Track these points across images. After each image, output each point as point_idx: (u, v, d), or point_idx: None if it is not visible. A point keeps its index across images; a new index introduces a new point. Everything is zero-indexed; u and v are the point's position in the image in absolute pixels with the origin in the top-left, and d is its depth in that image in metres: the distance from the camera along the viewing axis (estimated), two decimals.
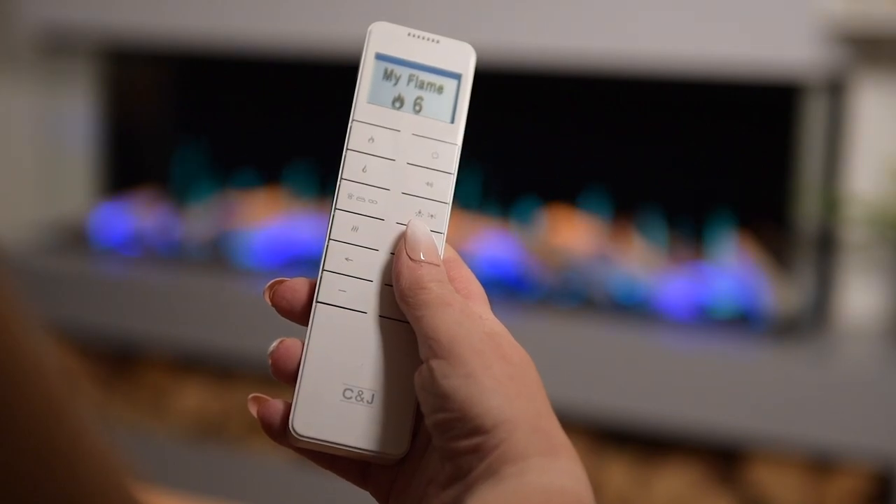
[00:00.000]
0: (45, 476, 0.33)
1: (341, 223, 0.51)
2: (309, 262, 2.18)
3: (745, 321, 1.95)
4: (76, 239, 2.40)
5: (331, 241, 0.51)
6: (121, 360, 2.25)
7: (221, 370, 2.15)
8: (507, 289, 2.08)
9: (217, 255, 2.29)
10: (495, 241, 2.16)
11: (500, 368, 0.46)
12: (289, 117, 2.48)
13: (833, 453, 1.77)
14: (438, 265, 0.50)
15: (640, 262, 2.10)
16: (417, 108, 0.53)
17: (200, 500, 1.20)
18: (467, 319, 0.48)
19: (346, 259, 0.51)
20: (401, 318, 0.50)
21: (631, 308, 2.01)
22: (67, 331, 2.22)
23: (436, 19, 2.06)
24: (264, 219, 2.33)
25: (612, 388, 1.89)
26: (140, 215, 2.39)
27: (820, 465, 1.80)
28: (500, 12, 2.03)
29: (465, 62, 0.54)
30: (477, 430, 0.45)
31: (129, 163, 2.62)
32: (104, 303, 2.22)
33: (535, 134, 2.33)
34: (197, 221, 2.36)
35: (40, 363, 0.33)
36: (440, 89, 0.53)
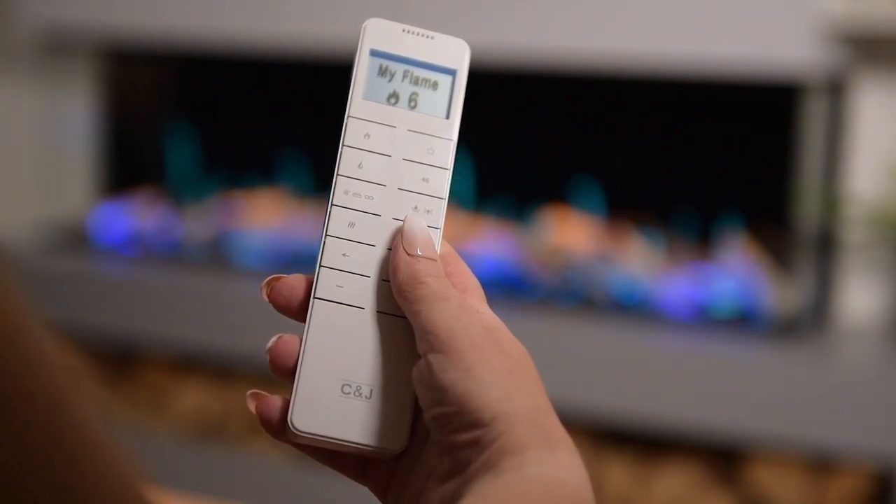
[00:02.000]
0: (49, 470, 0.33)
1: (338, 219, 0.51)
2: (308, 262, 2.18)
3: (745, 321, 1.95)
4: (76, 239, 2.40)
5: (327, 237, 0.51)
6: (121, 360, 2.25)
7: (221, 370, 2.15)
8: (507, 289, 2.08)
9: (217, 255, 2.29)
10: (495, 241, 2.16)
11: (498, 362, 0.46)
12: (288, 117, 2.48)
13: (833, 453, 1.77)
14: (435, 260, 0.50)
15: (640, 262, 2.10)
16: (413, 104, 0.53)
17: (200, 500, 1.20)
18: (465, 314, 0.48)
19: (343, 255, 0.51)
20: (398, 313, 0.50)
21: (631, 308, 2.01)
22: (67, 331, 2.22)
23: (434, 18, 2.06)
24: (264, 219, 2.33)
25: (612, 388, 1.89)
26: (140, 215, 2.39)
27: (820, 465, 1.80)
28: (499, 12, 2.03)
29: (460, 58, 0.54)
30: (475, 423, 0.45)
31: (129, 163, 2.62)
32: (104, 303, 2.22)
33: (534, 133, 2.33)
34: (196, 221, 2.36)
35: (43, 357, 0.33)
36: (435, 85, 0.53)
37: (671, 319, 1.98)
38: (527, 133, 2.34)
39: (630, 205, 2.20)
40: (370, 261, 0.51)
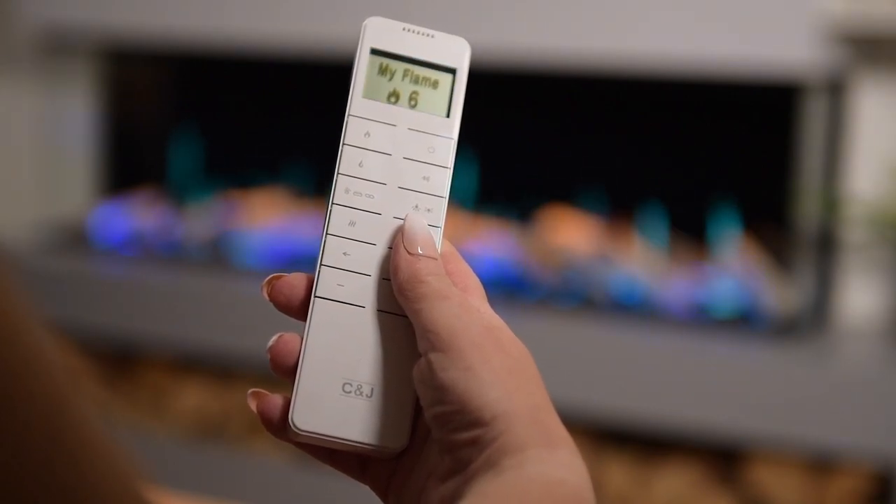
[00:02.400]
0: (49, 470, 0.33)
1: (338, 218, 0.52)
2: (308, 261, 2.18)
3: (745, 321, 1.95)
4: (76, 239, 2.40)
5: (328, 236, 0.51)
6: (121, 360, 2.25)
7: (221, 370, 2.15)
8: (507, 289, 2.08)
9: (217, 255, 2.29)
10: (495, 241, 2.16)
11: (498, 362, 0.46)
12: (288, 117, 2.48)
13: (833, 453, 1.77)
14: (436, 259, 0.50)
15: (640, 262, 2.10)
16: (413, 102, 0.53)
17: (200, 500, 1.19)
18: (466, 313, 0.48)
19: (344, 254, 0.51)
20: (399, 312, 0.51)
21: (631, 308, 2.01)
22: (67, 331, 2.22)
23: (435, 18, 2.06)
24: (264, 219, 2.33)
25: (612, 388, 1.89)
26: (140, 215, 2.39)
27: (820, 464, 1.80)
28: (500, 11, 2.03)
29: (460, 57, 0.54)
30: (476, 422, 0.45)
31: (129, 163, 2.62)
32: (104, 303, 2.22)
33: (535, 133, 2.34)
34: (197, 221, 2.36)
35: (43, 357, 0.33)
36: (435, 84, 0.53)
37: (671, 319, 1.98)
38: (527, 133, 2.34)
39: (629, 204, 2.21)
40: (371, 259, 0.51)
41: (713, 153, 2.21)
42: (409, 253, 0.50)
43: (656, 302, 2.01)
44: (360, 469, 0.52)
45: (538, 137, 2.33)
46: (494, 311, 0.50)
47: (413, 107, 0.53)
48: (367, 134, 0.52)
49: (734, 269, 2.03)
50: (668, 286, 2.03)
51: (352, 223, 0.52)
